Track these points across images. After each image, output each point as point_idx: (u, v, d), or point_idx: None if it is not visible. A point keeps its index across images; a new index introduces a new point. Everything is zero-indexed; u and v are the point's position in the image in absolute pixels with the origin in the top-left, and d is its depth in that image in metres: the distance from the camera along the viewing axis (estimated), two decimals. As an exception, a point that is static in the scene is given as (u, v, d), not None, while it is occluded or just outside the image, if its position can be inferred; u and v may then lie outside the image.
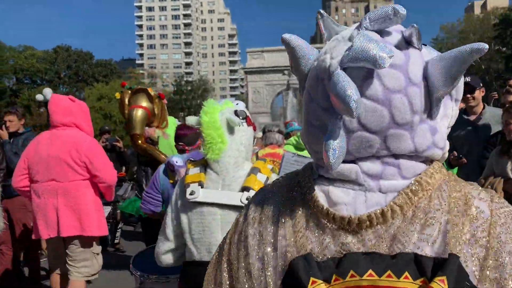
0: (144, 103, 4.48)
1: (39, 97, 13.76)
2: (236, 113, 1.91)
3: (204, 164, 1.90)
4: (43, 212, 3.32)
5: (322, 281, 0.68)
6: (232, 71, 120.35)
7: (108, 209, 5.45)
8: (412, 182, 0.73)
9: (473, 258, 0.68)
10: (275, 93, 36.69)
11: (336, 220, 0.74)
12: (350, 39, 0.73)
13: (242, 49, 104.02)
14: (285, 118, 36.07)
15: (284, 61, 35.92)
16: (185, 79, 65.81)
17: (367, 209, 0.73)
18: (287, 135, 5.71)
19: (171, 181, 3.09)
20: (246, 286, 0.78)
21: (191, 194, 1.81)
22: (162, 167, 3.21)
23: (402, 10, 0.71)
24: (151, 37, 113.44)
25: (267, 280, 0.76)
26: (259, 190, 0.93)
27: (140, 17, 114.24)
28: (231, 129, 1.87)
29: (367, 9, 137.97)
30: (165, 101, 4.74)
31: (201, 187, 1.83)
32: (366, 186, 0.75)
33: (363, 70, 0.70)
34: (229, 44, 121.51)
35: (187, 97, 55.73)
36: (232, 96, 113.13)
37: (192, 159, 2.00)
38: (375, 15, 0.73)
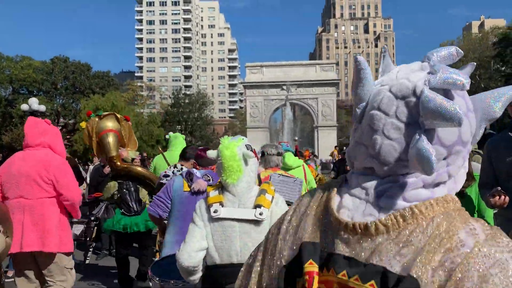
0: (112, 125, 4.74)
1: (24, 106, 13.45)
2: (246, 147, 2.38)
3: (220, 187, 2.36)
4: None
5: (317, 266, 0.84)
6: (231, 86, 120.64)
7: (80, 227, 5.51)
8: (407, 208, 0.82)
9: (434, 284, 0.74)
10: (273, 108, 36.37)
11: (336, 221, 0.87)
12: (423, 68, 0.86)
13: (241, 64, 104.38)
14: (282, 133, 35.79)
15: (283, 76, 35.72)
16: (183, 92, 65.60)
17: (362, 218, 0.85)
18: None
19: (187, 190, 3.37)
20: (275, 256, 0.94)
21: (215, 212, 2.27)
22: (178, 177, 3.53)
23: (461, 52, 0.87)
24: (150, 50, 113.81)
25: (283, 254, 0.92)
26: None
27: (140, 30, 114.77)
28: (245, 161, 2.36)
29: (366, 27, 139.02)
30: (130, 123, 5.05)
31: (222, 206, 2.28)
32: (370, 197, 0.87)
33: (441, 92, 0.81)
34: (229, 59, 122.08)
35: (184, 111, 55.40)
36: (230, 110, 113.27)
37: (211, 184, 2.59)
38: (442, 54, 0.87)
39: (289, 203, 3.55)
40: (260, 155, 4.73)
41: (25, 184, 3.45)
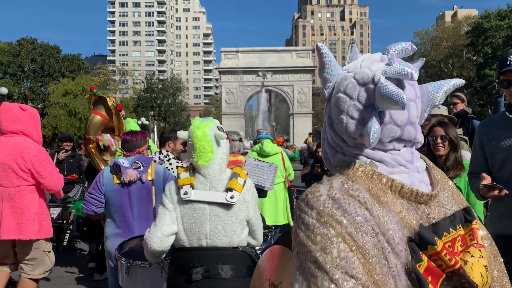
0: (103, 110, 4.71)
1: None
2: (218, 129, 2.33)
3: (192, 169, 2.31)
4: None
5: (454, 231, 0.99)
6: (207, 71, 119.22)
7: (57, 210, 5.61)
8: (427, 164, 1.10)
9: None
10: (249, 95, 35.98)
11: (418, 197, 0.99)
12: (383, 60, 1.02)
13: (217, 50, 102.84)
14: (257, 120, 35.49)
15: (259, 62, 35.28)
16: (156, 77, 64.23)
17: (418, 185, 1.02)
18: (255, 142, 6.23)
19: (117, 182, 3.25)
20: (371, 260, 0.89)
21: (185, 194, 2.22)
22: (106, 169, 3.40)
23: (415, 48, 1.05)
24: (123, 33, 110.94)
25: (400, 249, 0.91)
26: (324, 184, 1.00)
27: (112, 12, 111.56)
28: (218, 142, 2.31)
29: (342, 14, 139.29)
30: (123, 112, 4.95)
31: (192, 188, 2.23)
32: (411, 169, 1.04)
33: (395, 81, 0.97)
34: (204, 44, 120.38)
35: (157, 96, 54.30)
36: (206, 96, 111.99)
37: (181, 166, 2.42)
38: (399, 48, 1.02)
39: (261, 187, 3.60)
40: None
41: (2, 172, 3.43)
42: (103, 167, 4.51)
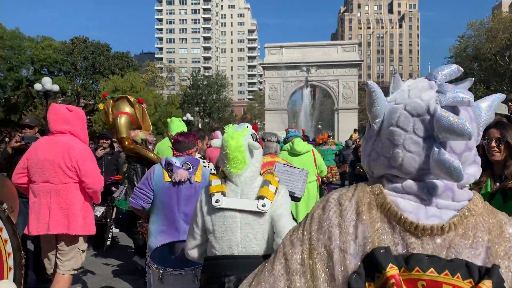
0: (127, 108, 4.90)
1: (37, 86, 13.28)
2: (252, 136, 2.33)
3: (223, 176, 2.30)
4: (36, 210, 3.64)
5: (397, 268, 0.90)
6: (251, 67, 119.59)
7: (101, 209, 5.78)
8: (465, 207, 0.98)
9: (506, 270, 0.92)
10: (292, 90, 35.64)
11: (406, 224, 0.95)
12: (431, 87, 0.99)
13: (261, 45, 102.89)
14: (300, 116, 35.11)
15: (303, 57, 34.83)
16: (202, 73, 65.15)
17: (426, 219, 0.96)
18: (285, 142, 6.16)
19: (167, 180, 3.35)
20: (328, 264, 0.99)
21: (216, 201, 2.21)
22: (157, 166, 3.48)
23: (461, 69, 1.03)
24: (170, 31, 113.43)
25: (346, 263, 0.97)
26: (335, 191, 1.10)
27: (160, 10, 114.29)
28: (251, 151, 2.30)
29: (390, 7, 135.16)
30: (144, 105, 5.12)
31: (224, 196, 2.22)
32: (427, 201, 0.98)
33: (450, 108, 0.96)
34: (249, 40, 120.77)
35: (202, 92, 55.09)
36: (249, 92, 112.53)
37: (213, 173, 2.49)
38: (446, 73, 1.01)
39: (291, 194, 3.41)
40: None
41: (50, 170, 3.62)
42: (151, 155, 4.84)
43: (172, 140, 3.84)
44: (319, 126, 23.59)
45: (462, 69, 1.02)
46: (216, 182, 2.29)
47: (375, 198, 1.01)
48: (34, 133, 5.10)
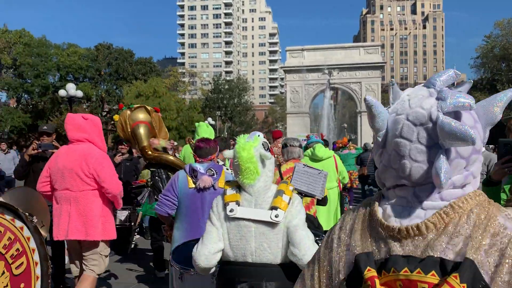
0: (143, 117, 4.96)
1: (61, 92, 13.53)
2: (263, 145, 2.31)
3: (237, 186, 2.32)
4: (58, 216, 3.77)
5: (374, 271, 0.94)
6: (272, 71, 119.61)
7: (125, 213, 5.74)
8: (447, 205, 0.96)
9: (489, 264, 0.88)
10: (314, 93, 35.40)
11: (388, 229, 0.99)
12: (431, 94, 0.99)
13: (282, 49, 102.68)
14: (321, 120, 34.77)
15: (324, 60, 34.54)
16: (223, 77, 65.48)
17: (409, 221, 0.98)
18: (305, 148, 6.08)
19: (191, 186, 3.38)
20: (330, 274, 1.08)
21: (231, 211, 2.23)
22: (181, 172, 3.52)
23: (459, 73, 1.03)
24: (192, 36, 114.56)
25: (339, 269, 1.05)
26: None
27: (182, 16, 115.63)
28: (263, 162, 2.29)
29: (413, 7, 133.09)
30: (159, 114, 5.21)
31: (238, 205, 2.24)
32: (412, 203, 1.00)
33: (452, 113, 0.96)
34: (270, 43, 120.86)
35: (224, 96, 55.32)
36: (271, 95, 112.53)
37: (228, 181, 2.43)
38: (444, 78, 1.01)
39: (311, 195, 3.54)
40: (282, 147, 4.88)
41: (69, 178, 3.72)
42: (173, 159, 4.91)
43: (194, 147, 3.85)
44: (344, 125, 23.34)
45: (460, 73, 1.00)
46: (230, 191, 2.31)
47: (369, 209, 1.07)
48: (51, 140, 5.11)
